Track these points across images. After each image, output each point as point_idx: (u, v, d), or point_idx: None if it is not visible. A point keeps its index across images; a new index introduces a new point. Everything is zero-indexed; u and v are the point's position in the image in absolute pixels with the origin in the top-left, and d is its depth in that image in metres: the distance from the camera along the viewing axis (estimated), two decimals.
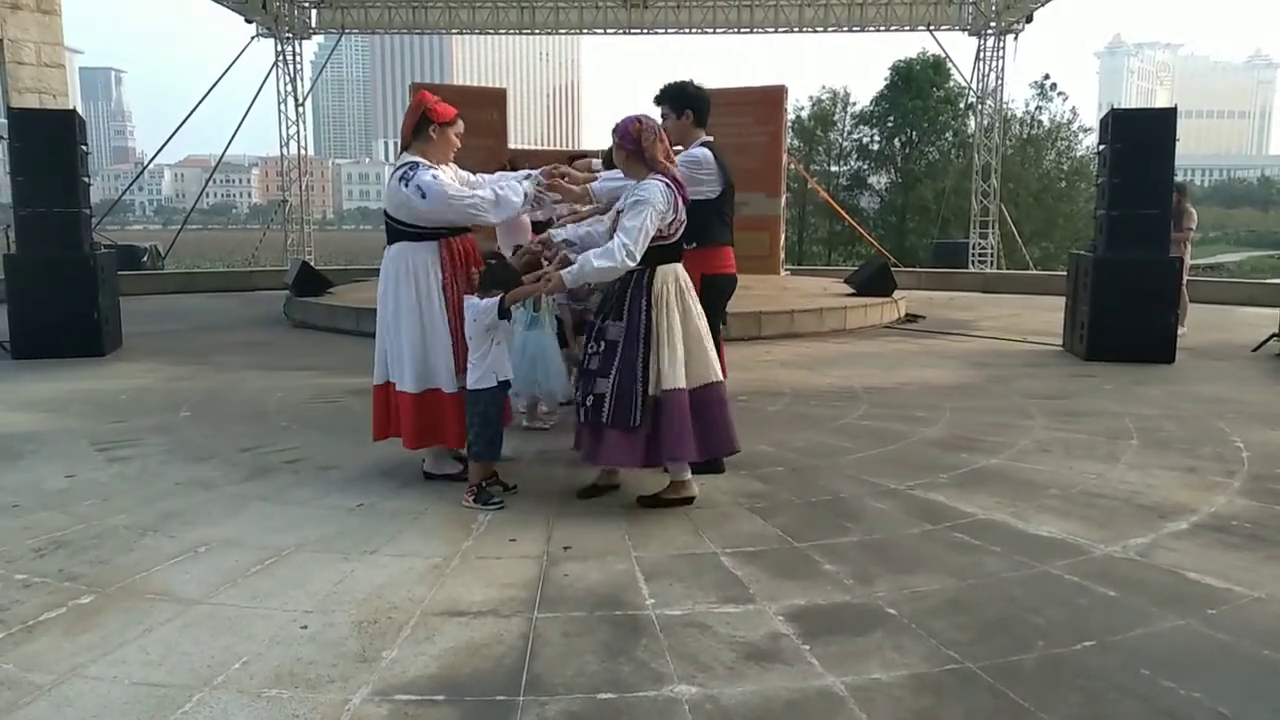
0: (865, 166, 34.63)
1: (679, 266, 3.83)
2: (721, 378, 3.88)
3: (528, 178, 4.11)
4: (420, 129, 4.03)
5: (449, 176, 4.03)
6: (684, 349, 3.71)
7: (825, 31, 17.22)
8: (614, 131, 3.81)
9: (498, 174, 4.27)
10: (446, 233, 4.07)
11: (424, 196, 3.88)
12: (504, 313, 3.75)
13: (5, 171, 8.12)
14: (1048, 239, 30.01)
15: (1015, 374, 7.02)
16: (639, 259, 3.61)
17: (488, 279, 3.83)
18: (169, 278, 15.56)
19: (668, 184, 3.68)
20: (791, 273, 15.76)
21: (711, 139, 4.40)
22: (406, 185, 3.90)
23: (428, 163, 3.99)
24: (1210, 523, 3.62)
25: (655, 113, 4.26)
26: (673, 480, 3.88)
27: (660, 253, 3.72)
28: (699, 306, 3.86)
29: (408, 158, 4.02)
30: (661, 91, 4.41)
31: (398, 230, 4.06)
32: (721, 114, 14.05)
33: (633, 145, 3.73)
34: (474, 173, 4.30)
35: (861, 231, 24.42)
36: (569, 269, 3.69)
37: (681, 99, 4.37)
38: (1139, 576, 3.09)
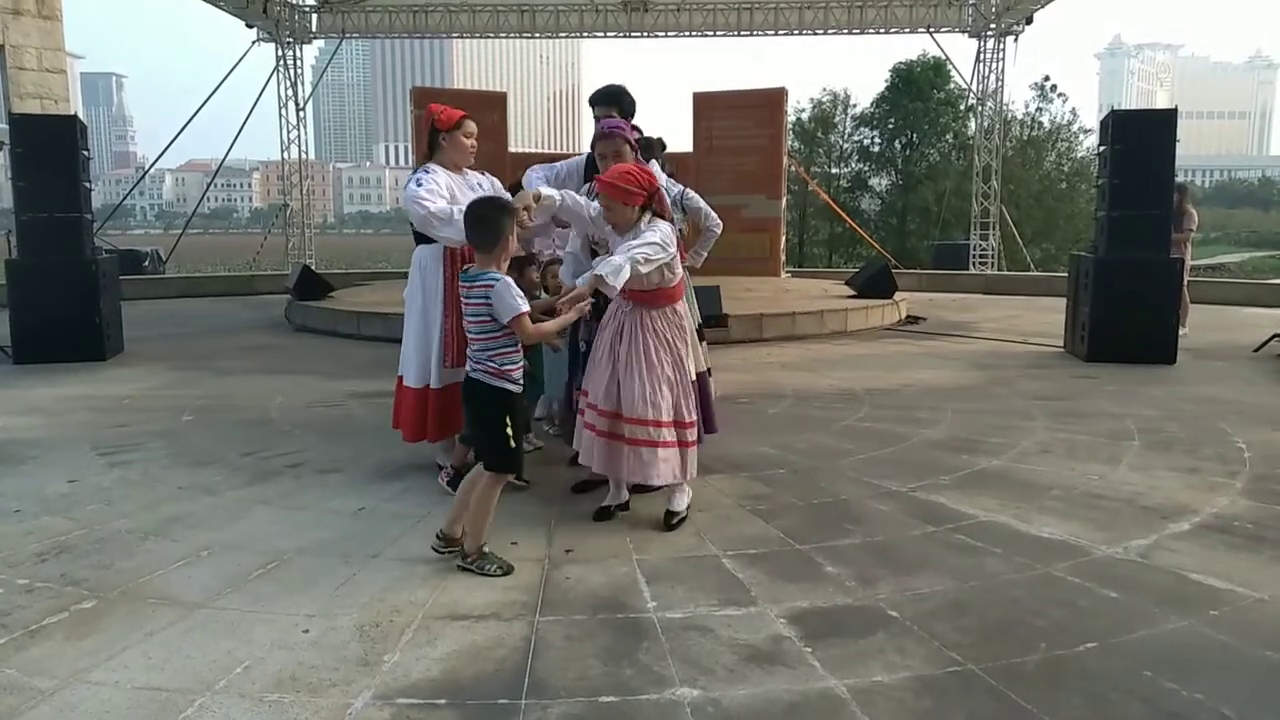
0: (866, 168, 34.57)
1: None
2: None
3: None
4: (432, 141, 4.12)
5: (445, 182, 3.99)
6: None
7: (825, 34, 17.23)
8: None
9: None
10: None
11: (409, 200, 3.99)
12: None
13: (7, 177, 8.12)
14: (1048, 240, 29.97)
15: (1017, 375, 7.01)
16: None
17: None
18: (170, 282, 15.59)
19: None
20: (792, 275, 15.75)
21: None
22: (408, 189, 4.00)
23: (436, 167, 4.06)
24: (1212, 523, 3.62)
25: (643, 119, 4.22)
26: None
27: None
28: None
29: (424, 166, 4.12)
30: (601, 94, 4.20)
31: (415, 233, 4.15)
32: (722, 116, 14.14)
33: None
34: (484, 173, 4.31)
35: (862, 233, 24.39)
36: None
37: (624, 100, 4.18)
38: (1141, 578, 3.09)
